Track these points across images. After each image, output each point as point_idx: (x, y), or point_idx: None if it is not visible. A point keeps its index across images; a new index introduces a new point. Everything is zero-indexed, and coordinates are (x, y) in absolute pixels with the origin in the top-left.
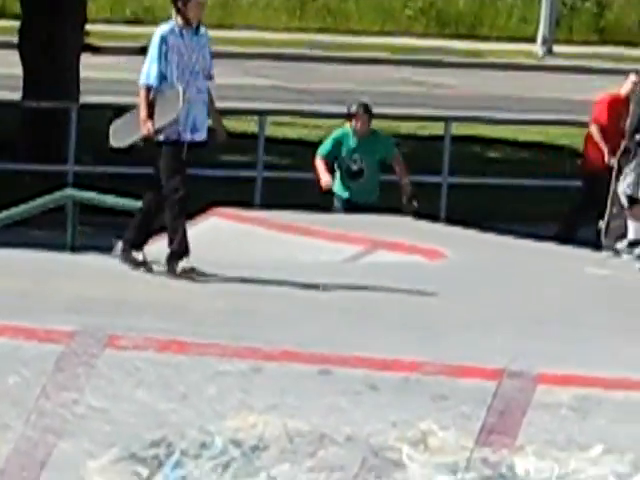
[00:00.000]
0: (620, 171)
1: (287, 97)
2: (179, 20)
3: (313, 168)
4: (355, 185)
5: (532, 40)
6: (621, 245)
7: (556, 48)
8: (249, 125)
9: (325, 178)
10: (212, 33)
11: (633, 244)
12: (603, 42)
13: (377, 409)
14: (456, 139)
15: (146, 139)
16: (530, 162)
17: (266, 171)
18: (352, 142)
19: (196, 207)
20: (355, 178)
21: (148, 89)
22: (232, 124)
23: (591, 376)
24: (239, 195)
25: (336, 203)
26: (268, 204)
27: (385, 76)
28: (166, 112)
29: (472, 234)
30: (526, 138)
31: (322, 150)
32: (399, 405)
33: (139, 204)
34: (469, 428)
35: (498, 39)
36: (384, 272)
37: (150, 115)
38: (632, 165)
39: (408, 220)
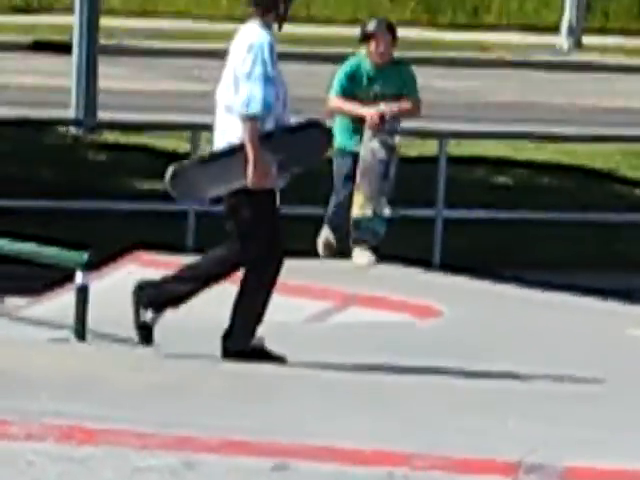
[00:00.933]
0: None
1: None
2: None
3: (328, 115)
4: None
5: (555, 30)
6: None
7: (586, 40)
8: (179, 143)
9: (363, 109)
10: (130, 23)
11: None
12: None
13: None
14: (454, 160)
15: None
16: (553, 190)
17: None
18: (369, 71)
19: (114, 249)
20: None
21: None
22: (159, 142)
23: (633, 470)
24: (166, 234)
25: (340, 163)
26: (203, 246)
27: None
28: (309, 152)
29: (475, 285)
30: (546, 158)
31: (336, 88)
32: None
33: (31, 248)
34: None
35: (509, 28)
36: (358, 335)
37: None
38: None
39: (392, 268)
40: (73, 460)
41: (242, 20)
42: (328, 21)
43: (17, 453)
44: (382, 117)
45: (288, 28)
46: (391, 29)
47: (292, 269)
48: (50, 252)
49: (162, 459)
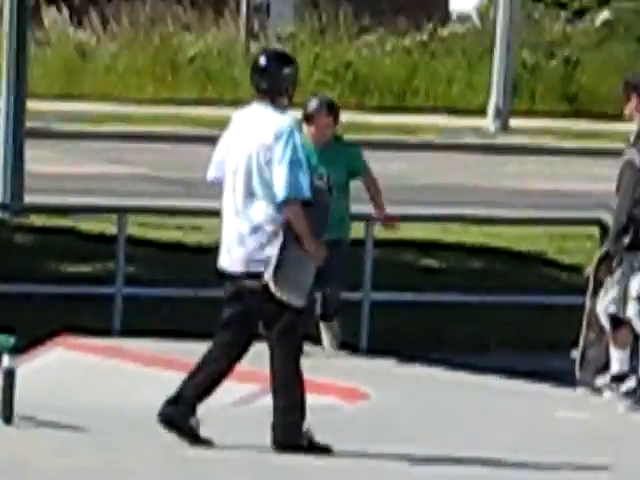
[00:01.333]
0: (599, 284)
1: (155, 190)
2: None
3: None
4: None
5: (481, 112)
6: (602, 380)
7: (513, 122)
8: (106, 226)
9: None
10: (54, 106)
11: (617, 379)
12: (575, 114)
13: None
14: (381, 243)
15: None
16: (483, 273)
17: (128, 287)
18: (313, 154)
19: (40, 333)
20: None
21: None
22: (83, 224)
23: None
24: (93, 318)
25: None
26: (130, 329)
27: None
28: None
29: (403, 368)
30: (474, 240)
31: None
32: None
33: None
34: None
35: (436, 111)
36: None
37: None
38: (616, 276)
39: (318, 351)
40: None
41: (167, 103)
42: None
43: None
44: None
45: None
46: (332, 109)
47: None
48: None
49: None
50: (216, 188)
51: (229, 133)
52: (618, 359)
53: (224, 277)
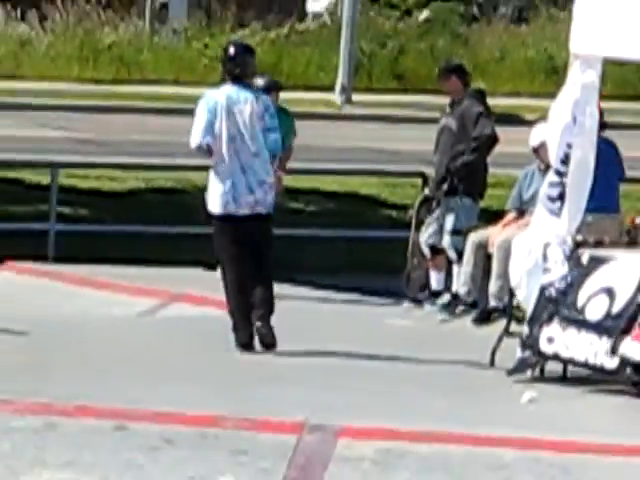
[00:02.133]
0: (420, 222)
1: (81, 149)
2: None
3: None
4: None
5: (330, 89)
6: (423, 296)
7: (355, 97)
8: (42, 178)
9: None
10: (2, 85)
11: (435, 294)
12: (403, 90)
13: (175, 464)
14: None
15: None
16: (335, 212)
17: (59, 224)
18: None
19: None
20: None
21: None
22: (24, 175)
23: (394, 429)
24: (32, 249)
25: None
26: (62, 257)
27: (180, 125)
28: None
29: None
30: (328, 188)
31: None
32: (197, 460)
33: None
34: None
35: (295, 88)
36: (180, 326)
37: None
38: (435, 215)
39: (200, 271)
40: None
41: (90, 82)
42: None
43: None
44: None
45: None
46: (276, 86)
47: (132, 275)
48: None
49: (29, 421)
50: (128, 148)
51: (210, 107)
52: (436, 279)
53: (227, 220)
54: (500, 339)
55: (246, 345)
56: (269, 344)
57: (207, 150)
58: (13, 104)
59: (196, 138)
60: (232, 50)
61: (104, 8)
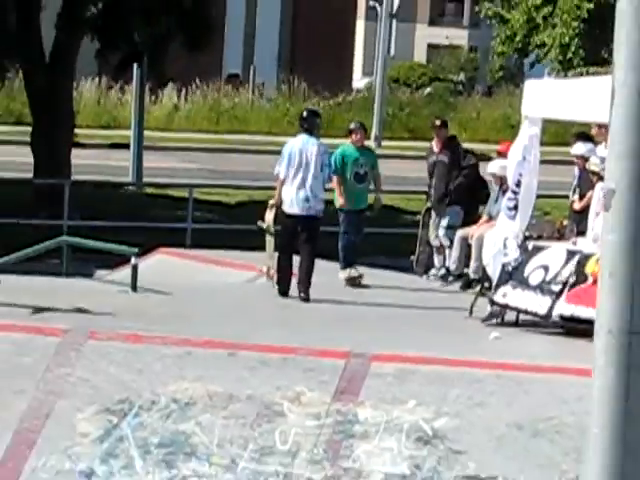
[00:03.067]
0: (425, 223)
1: (210, 176)
2: None
3: (336, 186)
4: (360, 189)
5: (368, 138)
6: (420, 271)
7: (384, 143)
8: (183, 194)
9: (341, 200)
10: (160, 135)
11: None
12: (414, 139)
13: (267, 378)
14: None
15: None
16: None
17: (194, 223)
18: (355, 152)
19: (147, 247)
20: (362, 181)
21: None
22: (172, 193)
23: (408, 355)
24: (176, 240)
25: (343, 217)
26: (195, 245)
27: (271, 163)
28: None
29: None
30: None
31: (334, 169)
32: (282, 375)
33: (106, 245)
34: (328, 390)
35: (344, 137)
36: (270, 289)
37: None
38: (436, 221)
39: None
40: (130, 351)
41: None
42: None
43: (102, 347)
44: None
45: None
46: (363, 126)
47: (239, 257)
48: (116, 247)
49: (174, 350)
50: (241, 175)
51: (290, 148)
52: (438, 260)
53: (289, 217)
54: (476, 298)
55: (283, 294)
56: (303, 299)
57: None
58: (166, 147)
59: (279, 168)
60: (304, 113)
61: (226, 84)
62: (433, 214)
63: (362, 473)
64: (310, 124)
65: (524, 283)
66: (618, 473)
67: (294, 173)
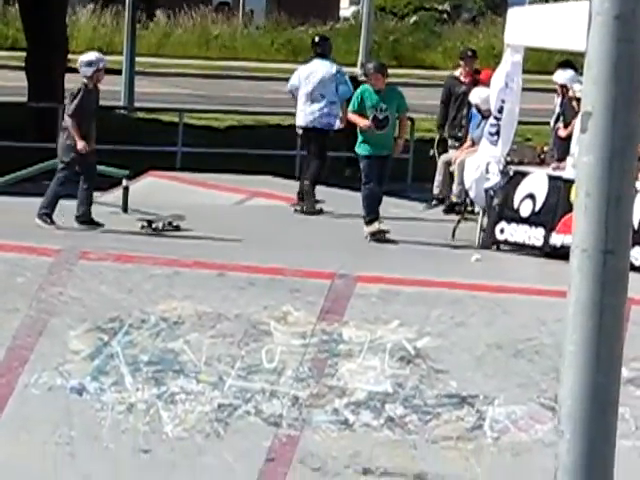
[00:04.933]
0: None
1: (198, 101)
2: None
3: (348, 125)
4: (380, 135)
5: (354, 65)
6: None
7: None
8: (174, 119)
9: (365, 122)
10: (151, 60)
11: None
12: (399, 66)
13: (254, 298)
14: None
15: None
16: None
17: (184, 147)
18: (374, 96)
19: (138, 170)
20: (383, 126)
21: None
22: (162, 117)
23: (392, 277)
24: (167, 163)
25: (363, 165)
26: (185, 168)
27: (258, 86)
28: None
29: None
30: None
31: (352, 107)
32: (269, 295)
33: (101, 168)
34: (313, 310)
35: None
36: (258, 211)
37: None
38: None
39: (270, 178)
40: (120, 270)
41: None
42: None
43: (93, 267)
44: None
45: None
46: (381, 67)
47: (227, 180)
48: (108, 170)
49: (163, 270)
50: (229, 100)
51: (306, 71)
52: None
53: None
54: (458, 222)
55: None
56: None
57: (293, 92)
58: (157, 72)
59: (289, 85)
60: (316, 38)
61: (215, 12)
62: (450, 143)
63: (346, 391)
64: (323, 48)
65: (516, 216)
66: (592, 389)
67: (310, 91)
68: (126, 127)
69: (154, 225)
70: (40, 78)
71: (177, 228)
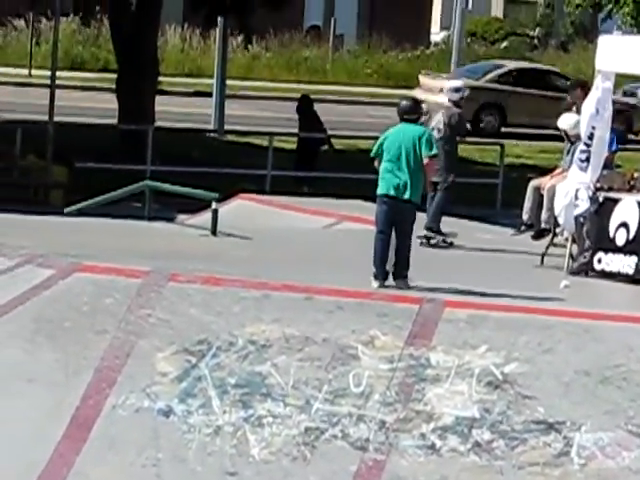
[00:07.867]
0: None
1: (285, 124)
2: None
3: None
4: None
5: None
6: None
7: None
8: (263, 142)
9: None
10: (240, 83)
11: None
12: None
13: (342, 321)
14: None
15: None
16: None
17: (274, 171)
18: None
19: (227, 193)
20: None
21: None
22: (253, 140)
23: (480, 302)
24: (256, 186)
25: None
26: (275, 192)
27: (354, 113)
28: None
29: None
30: None
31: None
32: (356, 319)
33: (187, 190)
34: (401, 334)
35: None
36: (347, 235)
37: None
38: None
39: (361, 202)
40: (209, 293)
41: None
42: None
43: (182, 289)
44: None
45: None
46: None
47: (316, 203)
48: (197, 192)
49: (252, 293)
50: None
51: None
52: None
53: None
54: (547, 248)
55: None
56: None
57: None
58: (246, 95)
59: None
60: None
61: (305, 36)
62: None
63: (433, 416)
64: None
65: (613, 246)
66: None
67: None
68: (216, 150)
69: (432, 242)
70: (131, 100)
71: (451, 245)
